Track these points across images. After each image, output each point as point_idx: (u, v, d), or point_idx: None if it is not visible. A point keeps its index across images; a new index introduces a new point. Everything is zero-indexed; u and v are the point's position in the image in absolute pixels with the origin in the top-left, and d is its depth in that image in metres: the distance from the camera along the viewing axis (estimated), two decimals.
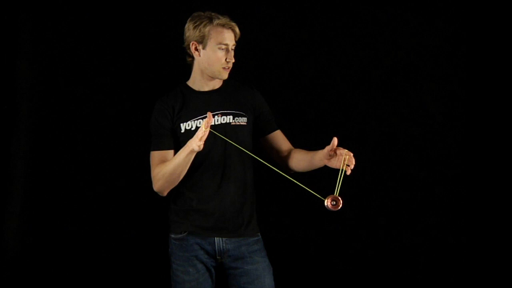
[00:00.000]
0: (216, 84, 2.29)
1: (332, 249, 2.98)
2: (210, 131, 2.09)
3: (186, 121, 2.23)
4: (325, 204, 2.04)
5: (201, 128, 2.02)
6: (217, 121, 2.23)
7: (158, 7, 2.90)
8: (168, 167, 2.16)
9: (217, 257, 2.25)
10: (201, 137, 2.02)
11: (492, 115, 2.91)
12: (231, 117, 2.24)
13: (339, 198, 2.02)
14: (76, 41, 2.88)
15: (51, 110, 2.89)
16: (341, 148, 2.05)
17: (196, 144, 2.03)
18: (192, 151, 2.07)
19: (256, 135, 2.32)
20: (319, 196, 2.02)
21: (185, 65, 2.30)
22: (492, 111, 2.91)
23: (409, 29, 2.94)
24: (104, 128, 2.89)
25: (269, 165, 2.16)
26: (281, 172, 2.18)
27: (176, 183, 2.20)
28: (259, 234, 2.31)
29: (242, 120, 2.25)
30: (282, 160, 2.31)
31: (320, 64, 2.96)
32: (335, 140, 2.03)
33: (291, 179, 2.13)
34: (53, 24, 2.88)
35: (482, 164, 2.92)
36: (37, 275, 2.87)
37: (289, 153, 2.29)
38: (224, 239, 2.24)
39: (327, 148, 2.06)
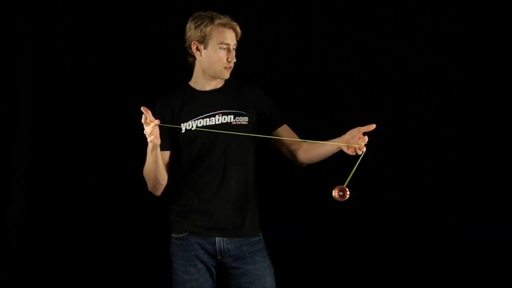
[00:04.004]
0: (218, 83, 2.29)
1: (333, 249, 2.98)
2: (202, 131, 2.15)
3: (187, 121, 2.23)
4: (333, 194, 2.05)
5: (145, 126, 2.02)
6: (218, 121, 2.23)
7: (159, 7, 2.90)
8: (145, 168, 2.19)
9: (218, 257, 2.25)
10: (149, 133, 2.03)
11: (493, 115, 2.91)
12: (232, 116, 2.24)
13: (347, 188, 2.03)
14: (77, 41, 2.88)
15: (51, 110, 2.88)
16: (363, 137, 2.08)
17: (148, 140, 2.05)
18: (151, 147, 2.10)
19: (263, 132, 2.31)
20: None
21: (188, 66, 2.30)
22: (493, 111, 2.91)
23: (410, 29, 2.94)
24: (105, 129, 2.89)
25: None
26: None
27: (162, 183, 2.22)
28: (260, 234, 2.31)
29: (243, 120, 2.25)
30: (292, 154, 2.31)
31: (321, 63, 2.96)
32: (373, 125, 2.07)
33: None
34: (53, 24, 2.87)
35: (483, 164, 2.92)
36: (37, 275, 2.87)
37: (299, 145, 2.30)
38: (225, 239, 2.24)
39: (360, 128, 2.08)
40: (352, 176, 2.03)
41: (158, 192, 2.26)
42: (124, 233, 2.90)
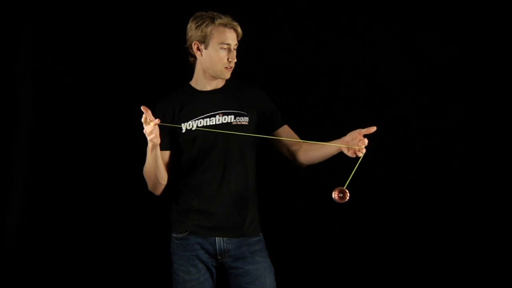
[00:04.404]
0: (219, 83, 2.30)
1: (334, 249, 2.98)
2: (203, 131, 2.15)
3: (187, 121, 2.23)
4: (332, 196, 2.04)
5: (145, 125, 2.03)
6: (218, 121, 2.23)
7: (160, 7, 2.90)
8: (145, 167, 2.19)
9: (218, 257, 2.25)
10: (149, 132, 2.02)
11: (492, 115, 2.92)
12: (232, 116, 2.24)
13: (347, 190, 2.03)
14: (77, 41, 2.88)
15: (51, 111, 2.88)
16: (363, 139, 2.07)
17: (148, 139, 2.06)
18: (151, 146, 2.10)
19: (263, 133, 2.31)
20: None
21: (188, 66, 2.30)
22: (492, 111, 2.92)
23: (410, 29, 2.95)
24: (105, 129, 2.90)
25: None
26: None
27: (162, 182, 2.22)
28: (260, 234, 2.31)
29: (244, 120, 2.25)
30: (292, 154, 2.31)
31: (322, 63, 2.97)
32: (373, 128, 2.06)
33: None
34: (53, 24, 2.88)
35: (482, 164, 2.92)
36: (37, 275, 2.87)
37: (299, 146, 2.29)
38: (225, 239, 2.24)
39: (361, 130, 2.07)
40: (351, 178, 2.03)
41: (158, 191, 2.26)
42: (124, 233, 2.90)
